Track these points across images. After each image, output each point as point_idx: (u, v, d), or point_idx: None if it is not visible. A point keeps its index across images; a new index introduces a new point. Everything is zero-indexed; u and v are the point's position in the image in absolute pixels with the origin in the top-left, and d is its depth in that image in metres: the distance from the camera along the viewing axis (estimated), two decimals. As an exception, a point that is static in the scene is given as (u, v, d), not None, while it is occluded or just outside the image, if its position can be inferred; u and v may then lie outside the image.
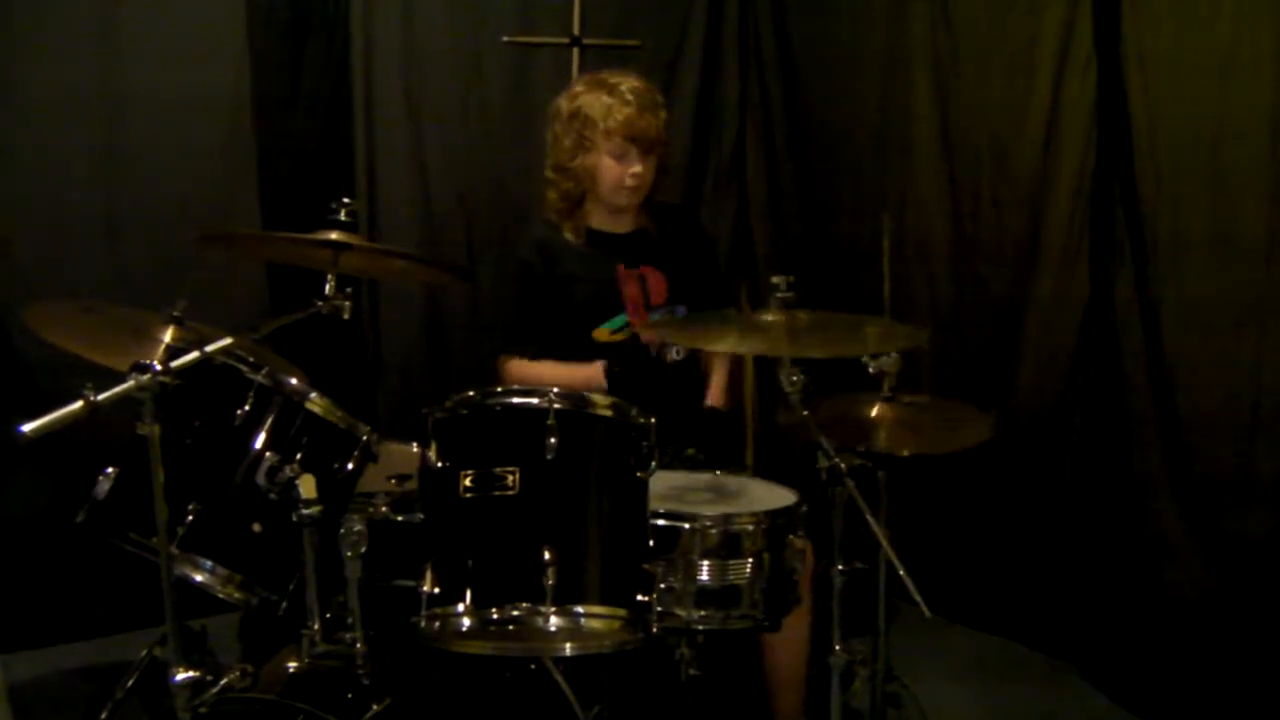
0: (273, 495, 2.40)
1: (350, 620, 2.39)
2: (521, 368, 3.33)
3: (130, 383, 2.08)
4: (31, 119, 3.80)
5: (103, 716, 3.00)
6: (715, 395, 3.53)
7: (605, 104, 3.24)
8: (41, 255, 3.87)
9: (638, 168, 3.26)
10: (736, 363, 3.62)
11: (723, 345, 3.14)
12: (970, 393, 3.96)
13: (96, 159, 3.91)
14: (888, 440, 2.71)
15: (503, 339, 3.39)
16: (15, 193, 3.82)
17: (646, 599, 2.37)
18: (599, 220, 3.42)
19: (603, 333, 3.37)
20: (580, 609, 2.30)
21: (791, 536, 2.66)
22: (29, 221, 3.85)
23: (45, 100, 3.80)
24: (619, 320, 3.37)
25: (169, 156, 3.97)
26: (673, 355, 3.32)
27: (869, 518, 2.40)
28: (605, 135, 3.24)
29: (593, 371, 3.23)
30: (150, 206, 3.96)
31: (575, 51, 4.21)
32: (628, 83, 3.28)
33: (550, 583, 2.24)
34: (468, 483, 2.34)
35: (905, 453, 2.70)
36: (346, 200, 2.72)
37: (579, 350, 3.34)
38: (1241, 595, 3.28)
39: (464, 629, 2.31)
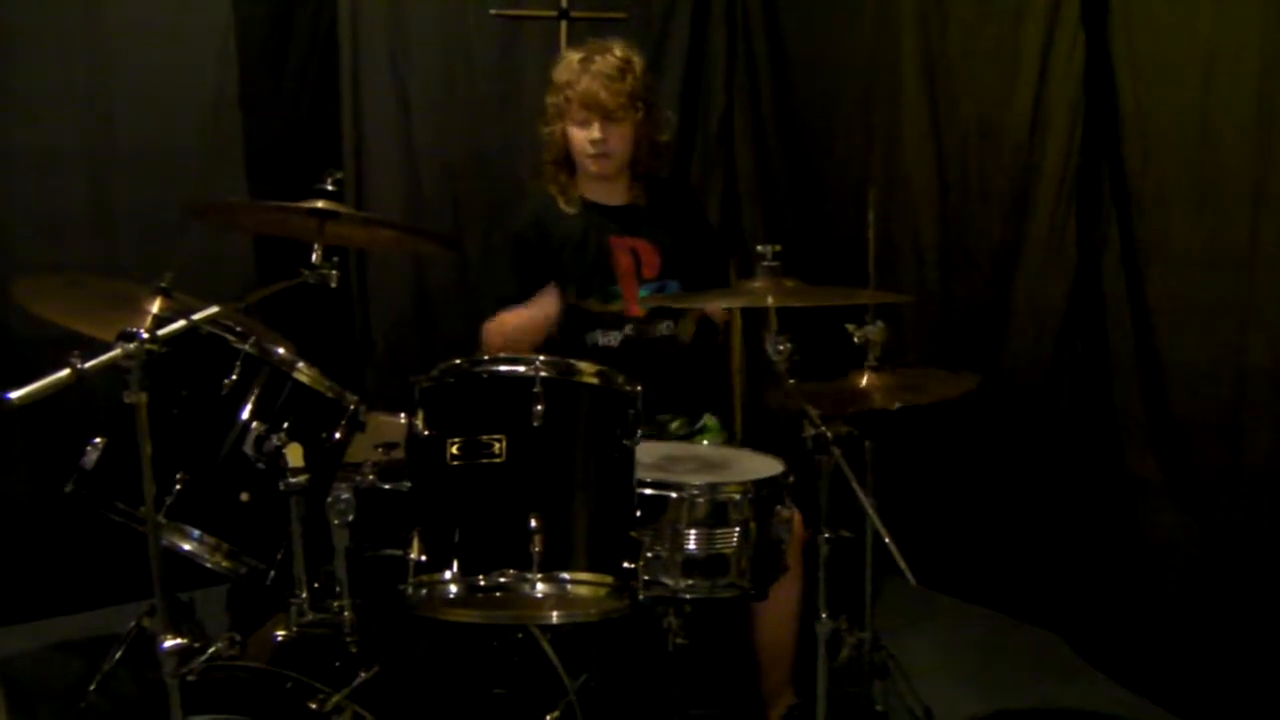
0: (260, 464, 2.40)
1: (338, 589, 2.40)
2: (499, 320, 3.35)
3: (117, 350, 2.08)
4: (17, 91, 3.80)
5: (91, 689, 3.01)
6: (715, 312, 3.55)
7: (574, 71, 3.30)
8: (27, 230, 3.86)
9: (596, 134, 3.28)
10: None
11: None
12: (958, 359, 3.99)
13: (83, 130, 3.91)
14: (875, 400, 2.72)
15: (495, 312, 3.40)
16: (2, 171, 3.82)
17: (633, 566, 2.37)
18: (591, 191, 3.43)
19: (593, 304, 3.38)
20: (566, 575, 2.30)
21: (779, 506, 2.67)
22: (14, 195, 3.84)
23: (32, 69, 3.80)
24: (611, 292, 3.38)
25: (155, 133, 3.96)
26: (660, 330, 3.36)
27: (855, 486, 2.40)
28: (567, 101, 3.30)
29: (546, 296, 3.27)
30: (137, 180, 3.96)
31: (563, 24, 4.19)
32: (603, 52, 3.31)
33: (537, 550, 2.25)
34: (454, 450, 2.33)
35: (895, 405, 2.71)
36: (333, 172, 2.72)
37: (569, 321, 3.34)
38: (1228, 564, 3.29)
39: (451, 596, 2.31)
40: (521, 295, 3.36)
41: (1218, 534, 3.32)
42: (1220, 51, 3.19)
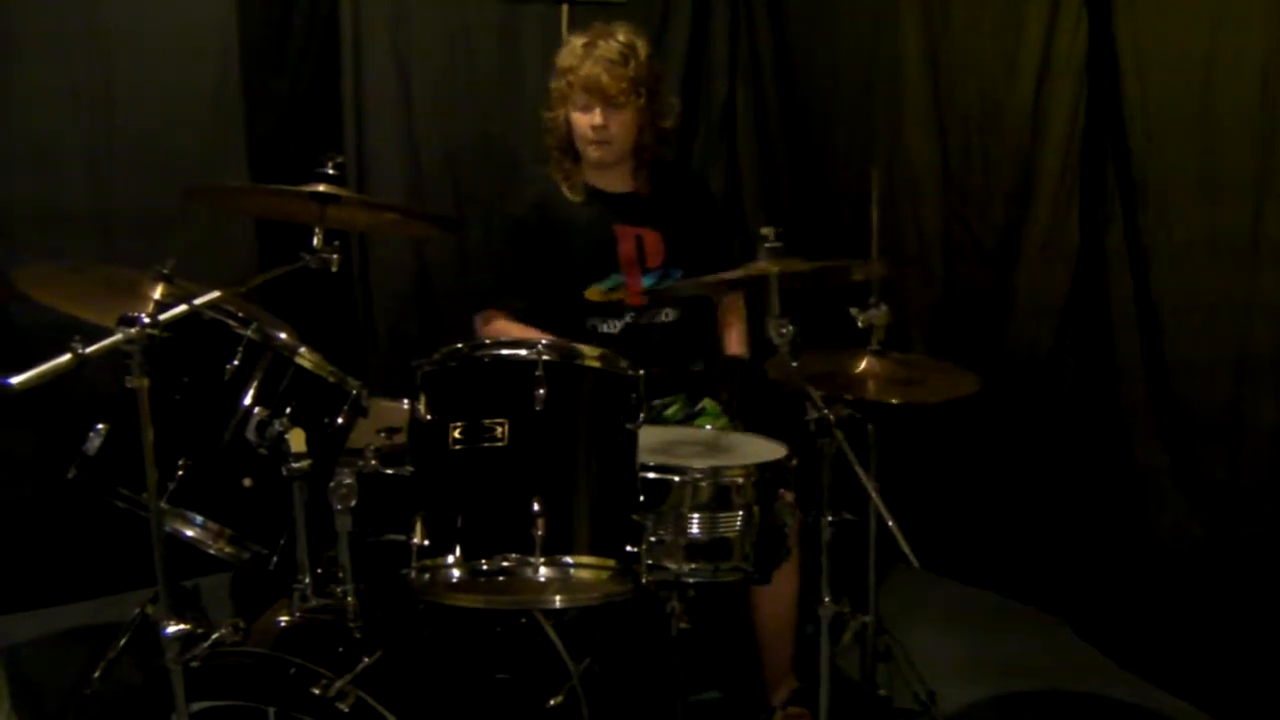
0: (263, 450, 2.38)
1: (341, 574, 2.38)
2: (500, 329, 3.34)
3: (118, 335, 2.07)
4: (17, 82, 3.78)
5: (96, 676, 3.01)
6: (735, 344, 3.55)
7: (577, 56, 3.27)
8: (28, 223, 3.84)
9: (598, 119, 3.26)
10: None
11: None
12: (961, 345, 3.98)
13: (83, 121, 3.88)
14: (876, 391, 2.72)
15: (490, 294, 3.41)
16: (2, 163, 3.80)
17: (635, 550, 2.37)
18: (595, 178, 3.42)
19: (595, 292, 3.37)
20: (569, 559, 2.29)
21: (781, 489, 2.67)
22: (14, 188, 3.83)
23: (32, 58, 3.78)
24: (613, 280, 3.37)
25: (156, 123, 3.94)
26: (661, 318, 3.36)
27: (858, 469, 2.40)
28: (570, 86, 3.28)
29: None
30: (138, 172, 3.93)
31: (564, 9, 4.18)
32: (607, 36, 3.29)
33: (539, 534, 2.24)
34: (456, 435, 2.33)
35: (894, 400, 2.70)
36: (334, 155, 2.71)
37: (570, 309, 3.34)
38: (1230, 546, 3.29)
39: (454, 580, 2.30)
40: (522, 280, 3.35)
41: (1218, 510, 3.32)
42: (1225, 16, 3.18)
